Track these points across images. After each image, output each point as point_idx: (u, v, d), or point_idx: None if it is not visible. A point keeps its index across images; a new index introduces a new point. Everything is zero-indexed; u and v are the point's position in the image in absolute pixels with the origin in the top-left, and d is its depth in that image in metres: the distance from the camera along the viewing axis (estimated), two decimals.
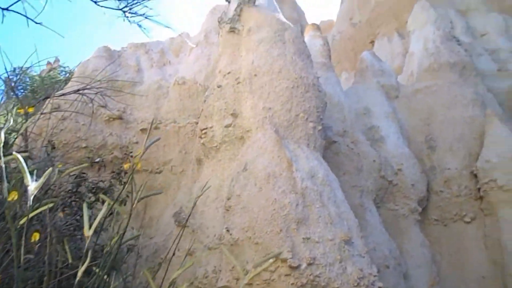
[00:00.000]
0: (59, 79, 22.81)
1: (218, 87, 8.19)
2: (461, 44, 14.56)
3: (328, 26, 34.29)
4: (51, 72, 26.03)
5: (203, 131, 8.17)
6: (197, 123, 9.79)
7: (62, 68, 27.22)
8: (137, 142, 9.74)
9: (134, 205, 2.26)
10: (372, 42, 23.92)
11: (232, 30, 8.80)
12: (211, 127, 8.06)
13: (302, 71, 7.96)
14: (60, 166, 2.98)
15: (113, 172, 7.28)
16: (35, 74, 19.15)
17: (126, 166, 2.12)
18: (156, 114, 10.12)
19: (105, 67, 10.03)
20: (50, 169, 1.85)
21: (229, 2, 9.91)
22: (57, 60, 42.15)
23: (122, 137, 9.67)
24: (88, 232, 1.79)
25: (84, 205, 1.92)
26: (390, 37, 22.38)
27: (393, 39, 22.08)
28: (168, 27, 4.04)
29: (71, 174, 6.05)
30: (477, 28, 16.12)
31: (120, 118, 9.69)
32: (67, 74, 25.40)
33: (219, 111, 8.00)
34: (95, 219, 2.04)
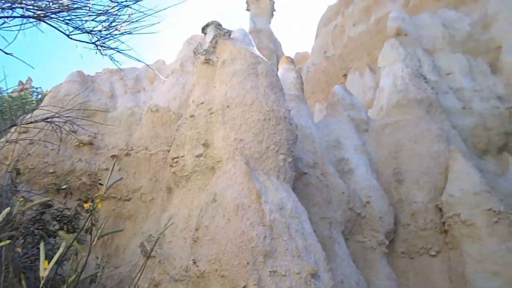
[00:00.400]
0: (30, 100, 22.40)
1: (191, 116, 8.26)
2: (428, 82, 15.23)
3: (303, 57, 35.22)
4: (22, 92, 25.52)
5: (174, 160, 8.17)
6: (169, 151, 9.77)
7: (34, 89, 26.76)
8: (106, 169, 9.61)
9: (94, 242, 2.26)
10: (345, 75, 24.65)
11: (207, 61, 8.96)
12: (182, 156, 8.07)
13: (274, 104, 8.14)
14: (21, 199, 2.94)
15: (80, 199, 7.14)
16: (4, 94, 18.76)
17: (86, 205, 2.12)
18: (128, 141, 10.05)
19: (78, 92, 9.97)
20: (8, 209, 1.85)
21: (205, 34, 10.12)
22: (29, 80, 41.32)
23: (92, 163, 9.53)
24: (43, 273, 1.78)
25: (41, 245, 1.91)
26: (362, 71, 23.16)
27: (365, 74, 22.85)
28: (141, 61, 4.12)
29: (36, 202, 5.92)
30: (443, 67, 16.91)
31: (90, 143, 9.58)
32: (39, 95, 24.95)
33: (191, 140, 8.05)
34: (58, 248, 2.03)
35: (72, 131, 8.29)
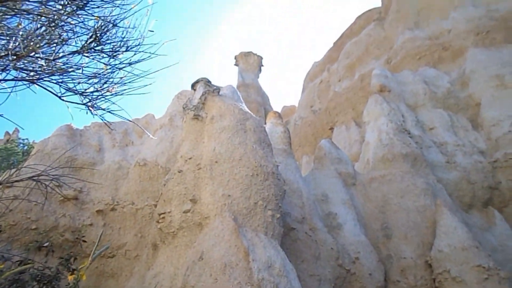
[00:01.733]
0: (16, 151, 22.16)
1: (179, 171, 8.26)
2: (412, 137, 15.61)
3: (290, 111, 36.00)
4: (8, 144, 25.31)
5: (161, 216, 8.06)
6: (155, 206, 9.66)
7: (20, 140, 26.56)
8: (91, 224, 9.39)
9: None
10: (332, 128, 25.15)
11: (196, 117, 9.11)
12: (169, 212, 7.97)
13: (262, 160, 8.22)
14: (2, 266, 2.85)
15: (62, 258, 6.91)
16: None
17: (70, 277, 2.05)
18: (114, 195, 9.92)
19: (65, 146, 9.95)
20: None
21: (194, 90, 10.36)
22: (16, 131, 41.03)
23: (76, 218, 9.32)
24: None
25: None
26: (348, 125, 23.69)
27: (351, 128, 23.37)
28: (130, 121, 4.19)
29: (15, 261, 5.74)
30: (426, 122, 17.42)
31: (75, 198, 9.42)
32: (25, 147, 24.73)
33: (178, 196, 7.99)
34: None
35: (57, 186, 8.19)
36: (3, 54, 3.67)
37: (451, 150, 15.94)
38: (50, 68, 3.89)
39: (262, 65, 40.13)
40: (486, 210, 14.20)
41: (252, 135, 8.62)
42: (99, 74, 4.16)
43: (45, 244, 7.90)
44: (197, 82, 10.28)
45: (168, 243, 7.90)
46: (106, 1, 3.79)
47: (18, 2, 3.38)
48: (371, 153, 15.02)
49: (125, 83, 4.18)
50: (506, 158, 15.00)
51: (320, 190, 12.33)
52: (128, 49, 4.13)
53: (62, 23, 3.91)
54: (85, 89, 4.19)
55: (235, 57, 40.99)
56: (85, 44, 4.07)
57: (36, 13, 3.55)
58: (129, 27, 3.99)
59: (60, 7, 3.56)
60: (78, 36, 4.02)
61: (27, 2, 3.41)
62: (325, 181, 12.70)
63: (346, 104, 24.51)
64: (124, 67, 4.10)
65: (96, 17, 3.83)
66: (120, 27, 4.02)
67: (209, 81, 10.18)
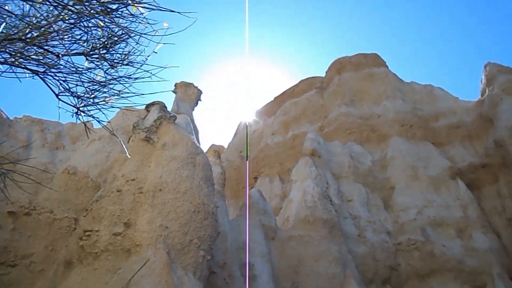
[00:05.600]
0: None
1: (118, 191, 7.88)
2: (332, 205, 16.51)
3: (218, 151, 36.15)
4: None
5: (86, 233, 7.54)
6: (76, 219, 9.03)
7: None
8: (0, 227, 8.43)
9: None
10: (256, 178, 25.66)
11: (147, 139, 8.88)
12: (96, 231, 7.49)
13: (205, 198, 8.17)
14: None
15: None
16: None
17: None
18: (32, 199, 9.09)
19: None
20: None
21: (148, 111, 10.15)
22: None
23: None
24: None
25: None
26: (272, 178, 24.35)
27: (274, 181, 24.02)
28: (115, 135, 4.07)
29: None
30: (345, 193, 18.58)
31: None
32: None
33: (111, 216, 7.57)
34: None
35: None
36: (16, 38, 3.48)
37: (363, 224, 17.07)
38: (57, 63, 3.72)
39: (200, 100, 40.29)
40: None
41: (200, 171, 8.59)
42: (103, 82, 4.06)
43: None
44: (152, 104, 10.11)
45: (87, 263, 7.36)
46: (133, 15, 3.78)
47: None
48: (293, 211, 15.54)
49: (123, 97, 4.11)
50: (408, 243, 16.41)
51: (243, 238, 12.40)
52: (130, 63, 4.10)
53: (84, 21, 3.81)
54: (83, 93, 4.05)
55: (175, 85, 40.77)
56: (93, 48, 3.98)
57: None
58: (137, 43, 3.98)
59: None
60: (89, 40, 3.93)
61: None
62: (249, 231, 12.81)
63: (274, 158, 25.32)
64: (126, 82, 4.04)
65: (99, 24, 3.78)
66: (129, 42, 4.00)
67: (165, 106, 10.09)
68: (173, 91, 43.55)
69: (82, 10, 3.62)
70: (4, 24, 3.47)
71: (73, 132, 11.42)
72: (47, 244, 8.81)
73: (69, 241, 8.35)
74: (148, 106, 10.15)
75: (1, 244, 8.26)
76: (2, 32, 3.47)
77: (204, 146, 35.90)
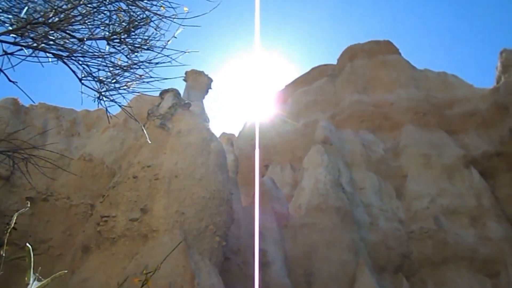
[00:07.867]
0: None
1: (134, 177, 7.94)
2: (345, 193, 16.48)
3: (228, 140, 36.19)
4: None
5: (104, 219, 7.63)
6: (92, 205, 9.14)
7: None
8: (17, 210, 8.56)
9: None
10: (267, 166, 25.66)
11: (162, 126, 8.91)
12: (114, 217, 7.58)
13: (220, 185, 8.20)
14: None
15: None
16: None
17: None
18: (49, 185, 9.21)
19: (8, 120, 9.17)
20: None
21: (162, 98, 10.16)
22: None
23: (3, 201, 8.48)
24: None
25: None
26: (283, 166, 24.33)
27: (286, 169, 24.01)
28: (137, 121, 4.07)
29: None
30: (358, 182, 18.51)
31: (6, 179, 8.60)
32: None
33: (128, 202, 7.65)
34: None
35: None
36: (39, 22, 3.47)
37: (376, 213, 17.03)
38: (81, 48, 3.72)
39: (211, 88, 40.19)
40: (396, 276, 15.20)
41: (215, 158, 8.61)
42: (125, 66, 4.04)
43: None
44: (166, 91, 10.12)
45: (104, 248, 7.47)
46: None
47: None
48: (305, 199, 15.55)
49: (144, 82, 4.10)
50: (421, 231, 16.35)
51: (256, 225, 12.44)
52: (150, 48, 4.08)
53: (107, 5, 3.79)
54: (105, 78, 4.04)
55: (186, 73, 40.71)
56: (114, 33, 3.95)
57: None
58: (158, 27, 3.96)
59: None
60: (110, 24, 3.91)
61: None
62: (262, 218, 12.85)
63: (286, 146, 25.27)
64: (151, 66, 4.02)
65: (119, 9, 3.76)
66: (149, 27, 3.98)
67: (179, 93, 10.09)
68: (184, 79, 43.66)
69: None
70: (26, 8, 3.46)
71: (87, 120, 11.49)
72: (64, 229, 8.95)
73: (86, 226, 8.47)
74: (162, 93, 10.16)
75: (21, 229, 8.40)
76: (23, 17, 3.47)
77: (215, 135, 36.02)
